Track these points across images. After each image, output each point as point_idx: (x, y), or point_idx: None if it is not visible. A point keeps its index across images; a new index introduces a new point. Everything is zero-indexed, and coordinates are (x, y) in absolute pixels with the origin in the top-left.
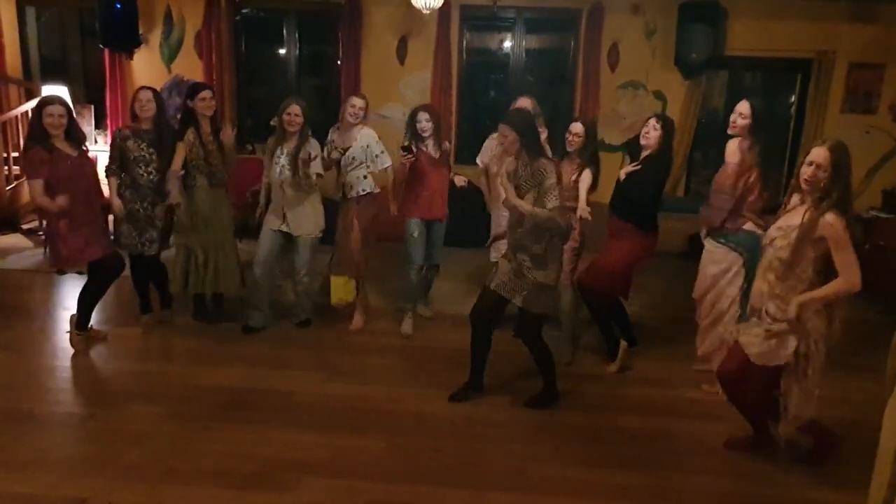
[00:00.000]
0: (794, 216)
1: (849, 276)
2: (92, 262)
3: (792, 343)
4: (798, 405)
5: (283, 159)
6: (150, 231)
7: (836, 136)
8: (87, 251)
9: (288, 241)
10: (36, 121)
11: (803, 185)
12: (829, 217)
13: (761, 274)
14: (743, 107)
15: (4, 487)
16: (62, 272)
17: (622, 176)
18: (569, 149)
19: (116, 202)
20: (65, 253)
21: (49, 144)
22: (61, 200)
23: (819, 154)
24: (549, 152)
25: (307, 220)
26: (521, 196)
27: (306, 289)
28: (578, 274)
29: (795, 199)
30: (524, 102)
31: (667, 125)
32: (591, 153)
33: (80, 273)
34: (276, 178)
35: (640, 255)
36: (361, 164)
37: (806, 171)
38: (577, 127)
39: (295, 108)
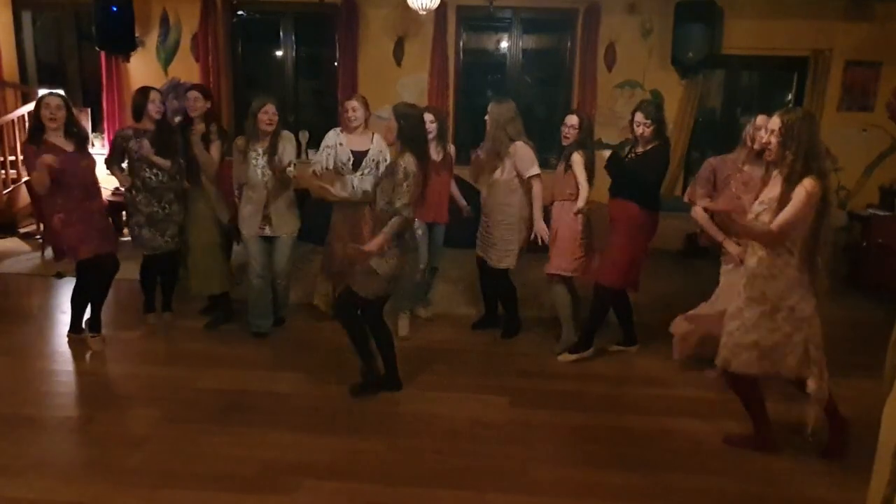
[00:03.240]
0: (773, 188)
1: (778, 223)
2: (82, 260)
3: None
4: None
5: (261, 160)
6: (171, 227)
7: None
8: (81, 248)
9: (268, 242)
10: (35, 116)
11: (767, 155)
12: (806, 182)
13: (751, 252)
14: (763, 120)
15: (3, 492)
16: (60, 276)
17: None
18: (564, 143)
19: (121, 177)
20: (61, 247)
21: (41, 140)
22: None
23: (772, 121)
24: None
25: (288, 219)
26: (376, 182)
27: (285, 292)
28: (591, 275)
29: (773, 172)
30: (496, 108)
31: (656, 114)
32: (581, 142)
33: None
34: (259, 179)
35: (643, 236)
36: (377, 165)
37: (763, 138)
38: (572, 119)
39: (271, 108)
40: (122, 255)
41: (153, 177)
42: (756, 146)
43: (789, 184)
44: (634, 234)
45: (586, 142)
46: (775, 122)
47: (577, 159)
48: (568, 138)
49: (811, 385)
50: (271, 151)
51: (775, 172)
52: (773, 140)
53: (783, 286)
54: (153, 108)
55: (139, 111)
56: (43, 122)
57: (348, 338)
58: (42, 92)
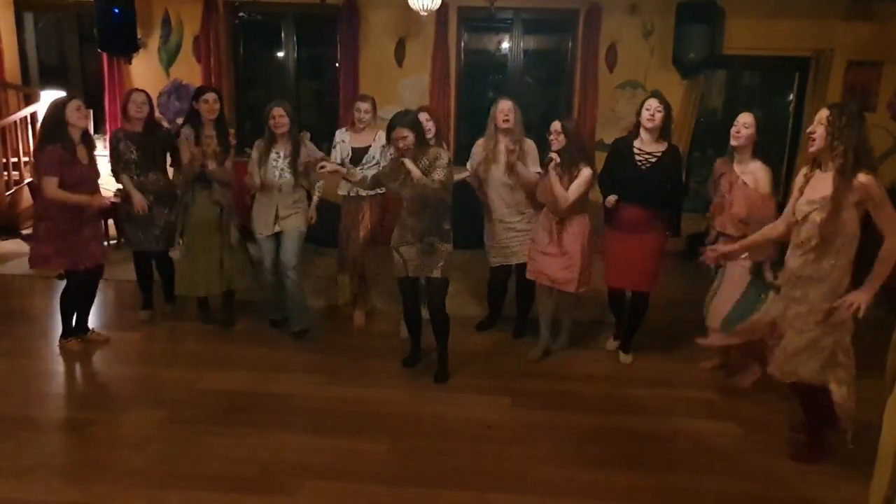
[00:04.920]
0: (820, 187)
1: (893, 231)
2: (68, 270)
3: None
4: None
5: (280, 162)
6: (151, 230)
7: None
8: (52, 260)
9: (278, 240)
10: (55, 118)
11: (810, 146)
12: (862, 177)
13: (794, 254)
14: (745, 117)
15: (5, 494)
16: (61, 277)
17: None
18: (554, 148)
19: (137, 197)
20: (34, 254)
21: (70, 144)
22: (88, 199)
23: (820, 113)
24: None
25: (293, 215)
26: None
27: (296, 288)
28: (631, 286)
29: (816, 170)
30: (504, 104)
31: (667, 106)
32: (579, 150)
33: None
34: (275, 181)
35: (665, 241)
36: (378, 163)
37: (810, 129)
38: (555, 125)
39: (278, 111)
40: (121, 257)
41: (134, 177)
42: (734, 142)
43: (843, 177)
44: (661, 240)
45: (582, 149)
46: (823, 113)
47: (584, 175)
48: (556, 144)
49: (835, 391)
50: (294, 155)
51: (818, 171)
52: (820, 129)
53: (827, 290)
54: (133, 108)
55: (124, 112)
56: (70, 121)
57: (439, 329)
58: (44, 94)
